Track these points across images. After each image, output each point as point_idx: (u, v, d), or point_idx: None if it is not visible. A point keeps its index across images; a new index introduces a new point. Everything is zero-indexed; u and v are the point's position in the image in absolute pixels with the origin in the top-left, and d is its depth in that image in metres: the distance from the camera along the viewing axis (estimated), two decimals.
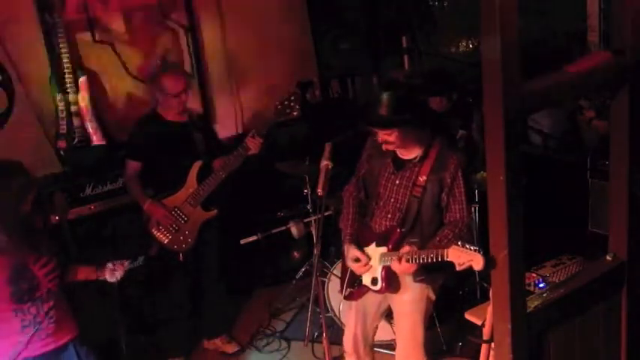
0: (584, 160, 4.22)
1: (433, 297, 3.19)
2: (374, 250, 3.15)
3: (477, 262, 2.58)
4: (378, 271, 3.12)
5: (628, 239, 2.43)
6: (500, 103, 1.86)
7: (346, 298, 3.35)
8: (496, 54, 1.82)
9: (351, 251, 3.19)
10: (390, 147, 3.04)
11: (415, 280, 3.10)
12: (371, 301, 3.29)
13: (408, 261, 2.91)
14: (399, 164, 3.12)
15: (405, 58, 5.63)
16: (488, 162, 1.99)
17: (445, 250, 2.74)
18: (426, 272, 3.05)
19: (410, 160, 3.08)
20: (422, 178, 3.02)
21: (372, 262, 3.15)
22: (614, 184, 2.43)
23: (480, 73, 1.89)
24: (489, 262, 2.29)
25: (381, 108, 2.95)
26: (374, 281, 3.14)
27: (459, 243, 2.67)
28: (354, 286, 3.25)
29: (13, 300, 2.72)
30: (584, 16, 4.43)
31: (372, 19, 5.60)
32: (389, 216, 3.12)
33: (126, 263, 3.06)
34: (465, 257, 2.64)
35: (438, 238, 2.97)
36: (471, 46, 5.46)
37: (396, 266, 2.98)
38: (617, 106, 2.33)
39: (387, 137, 2.98)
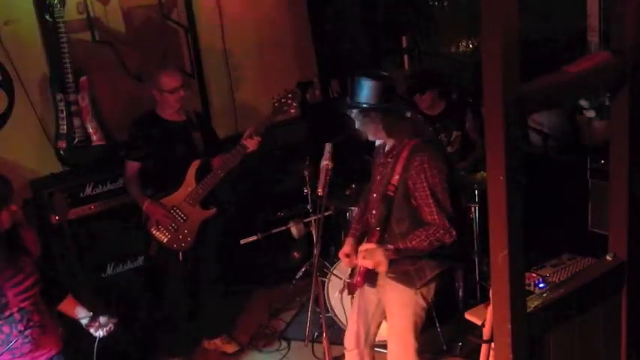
0: (584, 160, 4.22)
1: (423, 304, 3.14)
2: (363, 246, 3.19)
3: (382, 266, 2.91)
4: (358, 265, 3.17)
5: (628, 239, 2.43)
6: (500, 103, 1.86)
7: (347, 290, 3.42)
8: (496, 54, 1.82)
9: (345, 245, 3.24)
10: (369, 136, 3.08)
11: (387, 276, 3.10)
12: (370, 300, 3.31)
13: (364, 257, 2.98)
14: (382, 155, 3.14)
15: (405, 58, 5.63)
16: (488, 162, 1.99)
17: (377, 250, 2.92)
18: (397, 271, 3.06)
19: (389, 152, 3.09)
20: (395, 178, 3.00)
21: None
22: (614, 184, 2.43)
23: (479, 73, 1.89)
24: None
25: (359, 94, 2.95)
26: (353, 274, 3.22)
27: (385, 246, 2.90)
28: (351, 279, 3.32)
29: None
30: (584, 16, 4.42)
31: (372, 19, 5.61)
32: (373, 212, 3.14)
33: (111, 326, 2.93)
34: (378, 257, 2.90)
35: (410, 236, 2.96)
36: (471, 46, 5.45)
37: (359, 261, 3.04)
38: (617, 106, 2.33)
39: (362, 126, 3.01)
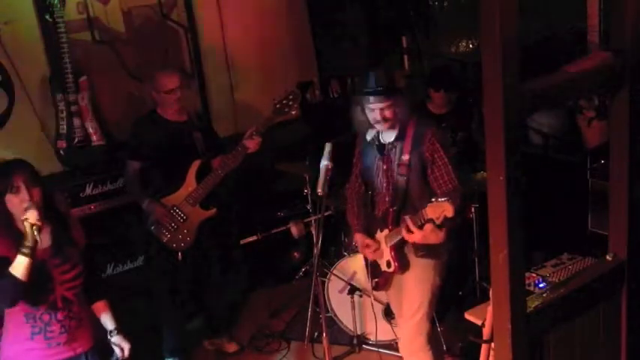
0: (584, 160, 4.22)
1: (439, 282, 3.27)
2: (380, 235, 3.27)
3: (448, 210, 2.84)
4: (388, 254, 3.24)
5: (628, 239, 2.42)
6: (500, 103, 1.86)
7: (374, 289, 3.48)
8: (496, 54, 1.82)
9: (360, 239, 3.34)
10: (385, 125, 3.11)
11: (418, 256, 3.19)
12: (394, 292, 3.40)
13: (417, 226, 2.98)
14: (381, 149, 3.22)
15: (405, 58, 5.63)
16: (488, 162, 1.99)
17: (423, 210, 2.91)
18: (426, 248, 3.15)
19: (390, 143, 3.19)
20: (405, 157, 3.12)
21: (382, 246, 3.27)
22: (614, 184, 2.43)
23: (480, 73, 1.89)
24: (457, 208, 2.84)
25: (378, 81, 3.06)
26: (388, 264, 3.27)
27: (432, 199, 2.89)
28: (377, 276, 3.37)
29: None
30: (584, 16, 4.43)
31: (372, 19, 5.61)
32: (386, 199, 3.23)
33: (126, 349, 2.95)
34: (439, 210, 2.85)
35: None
36: (471, 46, 5.46)
37: (407, 236, 3.05)
38: (617, 106, 2.33)
39: (386, 112, 3.06)
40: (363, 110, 3.14)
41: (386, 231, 3.23)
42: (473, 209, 4.16)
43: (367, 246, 3.30)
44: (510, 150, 1.91)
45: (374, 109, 3.08)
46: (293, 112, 3.91)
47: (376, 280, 3.40)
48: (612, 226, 2.49)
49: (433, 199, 2.90)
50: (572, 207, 4.30)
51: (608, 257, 2.49)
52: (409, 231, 3.00)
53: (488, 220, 2.05)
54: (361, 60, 5.60)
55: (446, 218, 2.87)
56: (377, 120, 3.10)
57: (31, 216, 2.56)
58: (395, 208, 3.18)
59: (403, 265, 3.24)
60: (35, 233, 2.55)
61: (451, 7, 5.51)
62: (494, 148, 1.94)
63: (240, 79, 5.13)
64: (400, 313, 3.45)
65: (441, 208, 2.86)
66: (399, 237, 3.12)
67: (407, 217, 3.02)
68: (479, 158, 4.50)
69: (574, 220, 4.26)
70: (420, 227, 2.97)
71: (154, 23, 4.70)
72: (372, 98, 3.07)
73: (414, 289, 3.27)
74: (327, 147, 3.27)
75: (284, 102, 3.85)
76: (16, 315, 2.70)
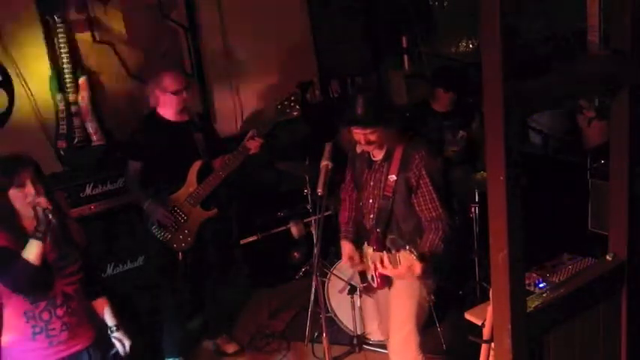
0: (584, 160, 4.22)
1: (426, 296, 3.20)
2: (367, 249, 3.23)
3: (416, 268, 2.79)
4: (372, 270, 3.18)
5: (628, 239, 2.42)
6: (500, 103, 1.86)
7: (364, 291, 3.49)
8: (496, 54, 1.82)
9: (345, 248, 3.29)
10: (370, 147, 3.06)
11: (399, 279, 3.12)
12: (383, 294, 3.35)
13: (392, 264, 2.92)
14: (370, 165, 3.17)
15: (405, 58, 5.64)
16: (488, 162, 1.99)
17: (398, 255, 2.85)
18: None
19: (377, 162, 3.13)
20: (391, 178, 3.05)
21: (368, 259, 3.22)
22: (614, 184, 2.43)
23: (480, 73, 1.89)
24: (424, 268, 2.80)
25: (361, 108, 2.95)
26: (372, 278, 3.23)
27: (407, 248, 2.80)
28: (366, 281, 3.34)
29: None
30: (584, 16, 4.43)
31: (372, 19, 5.61)
32: (371, 216, 3.18)
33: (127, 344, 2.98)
34: (409, 261, 2.79)
35: (423, 242, 2.98)
36: (471, 46, 5.46)
37: (382, 269, 2.99)
38: (617, 106, 2.33)
39: (370, 137, 2.98)
40: (350, 130, 3.06)
41: (370, 248, 3.18)
42: (473, 209, 4.16)
43: (351, 258, 3.26)
44: (510, 150, 1.91)
45: (358, 133, 3.01)
46: (295, 113, 3.91)
47: (365, 285, 3.37)
48: (612, 226, 2.49)
49: (407, 247, 2.81)
50: (572, 207, 4.30)
51: (608, 257, 2.49)
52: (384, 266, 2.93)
53: (489, 220, 2.05)
54: (361, 60, 5.60)
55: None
56: (361, 143, 3.03)
57: (42, 201, 2.61)
58: (379, 230, 3.12)
59: (386, 283, 3.20)
60: (50, 216, 2.59)
61: (451, 7, 5.51)
62: (494, 148, 1.94)
63: (240, 80, 5.12)
64: (388, 322, 3.37)
65: (409, 262, 2.79)
66: (378, 260, 3.03)
67: (384, 255, 2.94)
68: (479, 158, 4.51)
69: (574, 220, 4.26)
70: (395, 266, 2.88)
71: (154, 23, 4.70)
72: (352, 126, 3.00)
73: (399, 305, 3.20)
74: (327, 147, 3.27)
75: (285, 103, 3.85)
76: (15, 315, 2.70)
